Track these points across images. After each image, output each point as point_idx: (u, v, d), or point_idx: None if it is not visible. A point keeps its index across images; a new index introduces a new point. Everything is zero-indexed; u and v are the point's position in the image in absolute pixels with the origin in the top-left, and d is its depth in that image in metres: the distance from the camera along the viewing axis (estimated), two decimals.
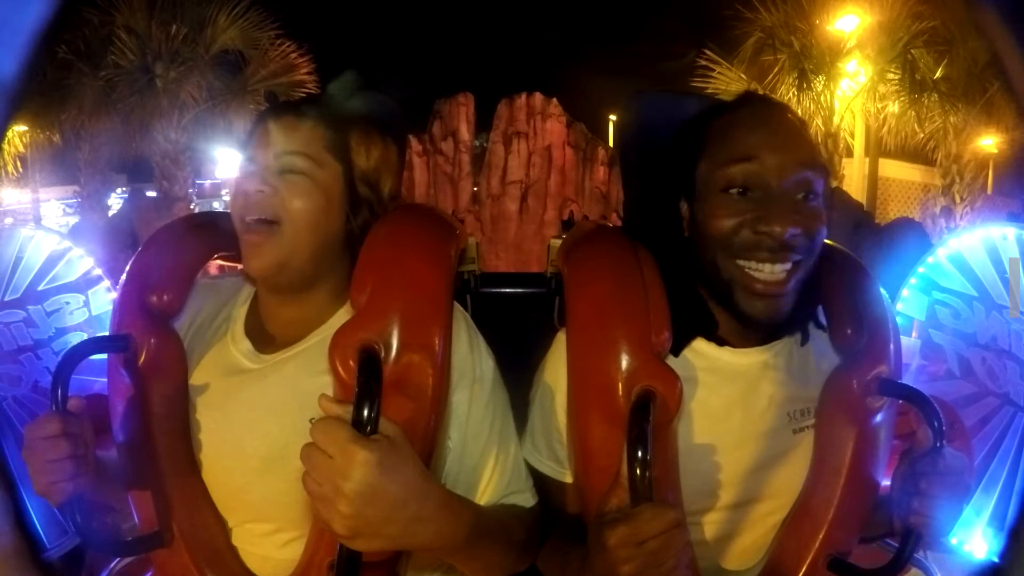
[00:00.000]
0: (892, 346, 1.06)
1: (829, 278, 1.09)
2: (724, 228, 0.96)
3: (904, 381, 1.09)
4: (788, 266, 0.95)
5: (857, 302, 1.07)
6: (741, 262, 0.96)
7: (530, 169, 8.72)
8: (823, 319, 1.09)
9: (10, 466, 0.63)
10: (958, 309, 2.66)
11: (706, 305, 1.03)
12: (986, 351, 2.58)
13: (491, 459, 1.02)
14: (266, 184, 0.99)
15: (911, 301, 2.78)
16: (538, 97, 8.99)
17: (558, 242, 1.20)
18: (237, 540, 1.05)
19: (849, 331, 1.06)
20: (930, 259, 2.75)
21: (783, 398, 1.04)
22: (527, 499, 1.06)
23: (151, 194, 10.02)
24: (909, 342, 2.67)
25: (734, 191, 0.96)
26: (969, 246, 2.66)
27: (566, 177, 8.82)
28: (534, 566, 1.07)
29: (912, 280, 2.78)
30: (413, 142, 8.65)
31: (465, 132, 8.97)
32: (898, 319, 1.30)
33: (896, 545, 0.96)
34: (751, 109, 1.01)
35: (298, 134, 1.01)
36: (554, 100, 9.01)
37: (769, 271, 0.94)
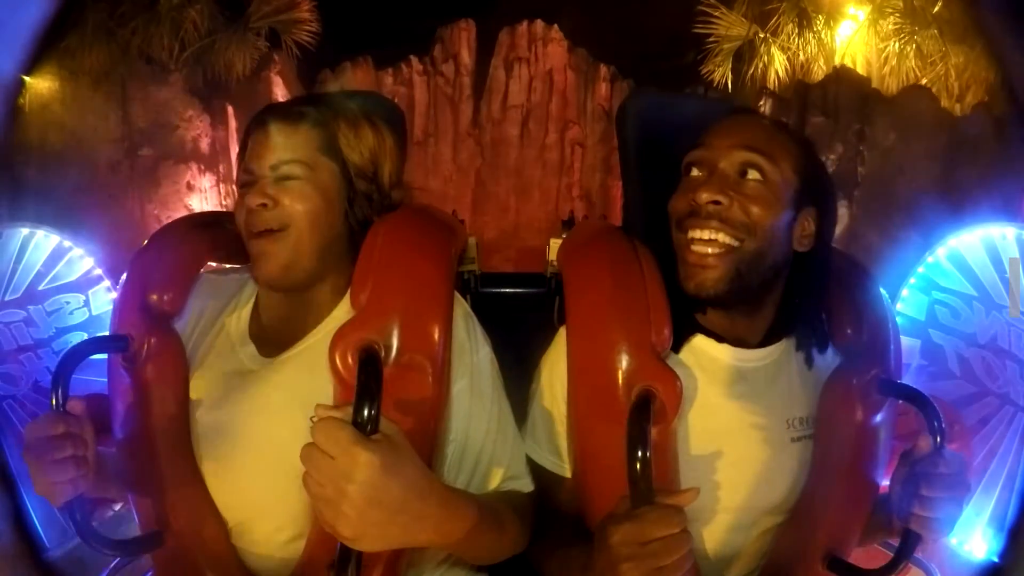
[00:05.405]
0: (892, 346, 1.06)
1: (828, 278, 1.10)
2: (674, 204, 1.04)
3: (904, 381, 1.10)
4: (712, 236, 0.98)
5: (857, 302, 1.07)
6: (684, 235, 1.01)
7: (531, 94, 8.69)
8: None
9: (10, 466, 0.63)
10: (958, 309, 2.66)
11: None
12: (986, 351, 2.58)
13: (493, 444, 1.03)
14: (266, 197, 1.01)
15: (911, 301, 2.78)
16: (539, 24, 8.96)
17: (558, 242, 1.20)
18: (237, 540, 1.05)
19: (849, 331, 1.06)
20: (930, 259, 2.75)
21: (781, 403, 1.04)
22: (526, 484, 1.06)
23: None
24: (909, 342, 2.67)
25: (692, 174, 1.04)
26: (969, 246, 2.66)
27: (567, 100, 8.79)
28: (524, 565, 1.07)
29: (912, 280, 2.78)
30: (414, 62, 8.66)
31: (466, 56, 8.94)
32: (898, 319, 1.30)
33: (896, 545, 0.97)
34: (730, 115, 1.08)
35: (290, 140, 1.03)
36: (555, 26, 8.93)
37: (697, 237, 0.99)
